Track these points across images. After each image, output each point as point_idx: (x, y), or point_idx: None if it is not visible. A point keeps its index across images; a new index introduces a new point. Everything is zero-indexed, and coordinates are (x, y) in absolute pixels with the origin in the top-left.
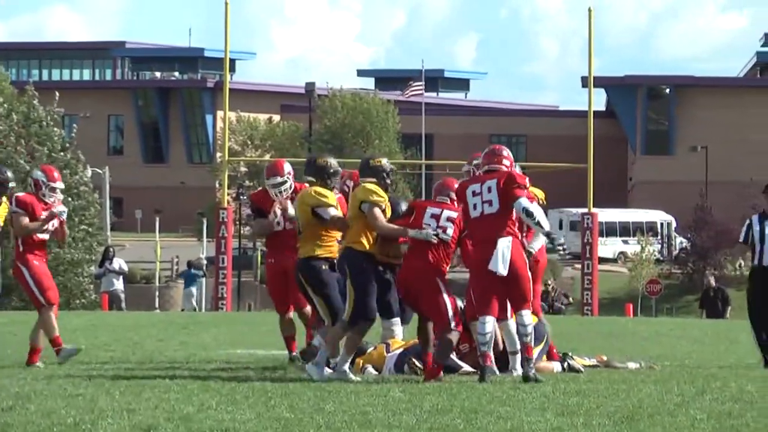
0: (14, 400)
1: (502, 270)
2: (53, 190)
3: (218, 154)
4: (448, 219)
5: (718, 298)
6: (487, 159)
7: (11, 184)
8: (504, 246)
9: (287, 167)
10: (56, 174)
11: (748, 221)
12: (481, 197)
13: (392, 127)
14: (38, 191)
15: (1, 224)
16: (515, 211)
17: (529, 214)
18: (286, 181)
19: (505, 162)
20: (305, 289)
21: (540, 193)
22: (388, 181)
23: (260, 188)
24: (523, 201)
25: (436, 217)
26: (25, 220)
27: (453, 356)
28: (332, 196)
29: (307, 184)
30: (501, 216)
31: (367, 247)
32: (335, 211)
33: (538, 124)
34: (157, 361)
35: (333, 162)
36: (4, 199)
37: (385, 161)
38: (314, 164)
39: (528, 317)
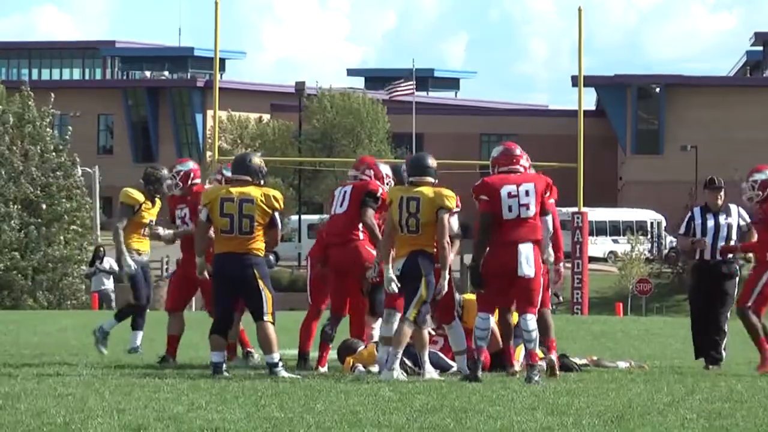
0: (4, 400)
1: (530, 272)
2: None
3: (208, 154)
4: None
5: None
6: (506, 160)
7: (168, 182)
8: (528, 250)
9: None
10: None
11: (690, 213)
12: (518, 199)
13: (382, 126)
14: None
15: (152, 221)
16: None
17: (549, 229)
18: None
19: (523, 162)
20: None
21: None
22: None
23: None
24: (550, 218)
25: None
26: None
27: (442, 355)
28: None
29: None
30: (534, 221)
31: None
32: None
33: (529, 123)
34: (147, 360)
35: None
36: (158, 197)
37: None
38: (251, 163)
39: (532, 322)
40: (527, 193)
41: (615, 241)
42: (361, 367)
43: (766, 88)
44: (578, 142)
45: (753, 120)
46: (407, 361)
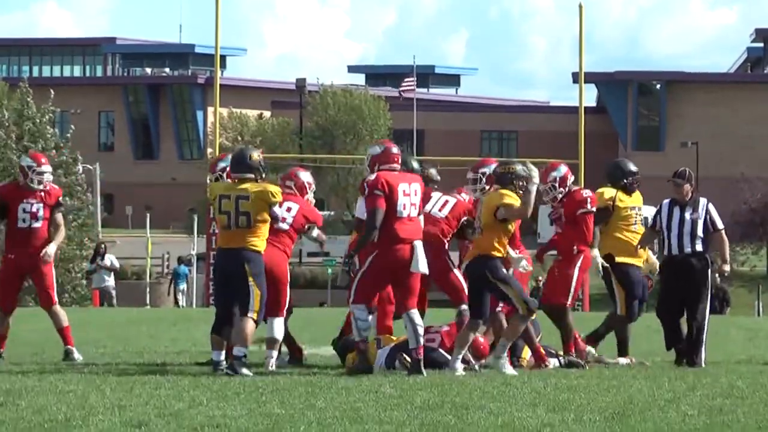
0: (5, 396)
1: (425, 269)
2: (41, 174)
3: (209, 151)
4: None
5: (718, 297)
6: (387, 158)
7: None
8: (421, 248)
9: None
10: (43, 159)
11: (658, 207)
12: (410, 198)
13: (384, 123)
14: (26, 178)
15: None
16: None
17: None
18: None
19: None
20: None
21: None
22: (514, 187)
23: (8, 182)
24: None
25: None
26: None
27: (441, 350)
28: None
29: None
30: (418, 220)
31: (502, 253)
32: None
33: (529, 120)
34: (147, 357)
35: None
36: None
37: (519, 168)
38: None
39: (418, 316)
40: (416, 192)
41: None
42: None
43: (767, 84)
44: (579, 138)
45: (754, 116)
46: (406, 356)
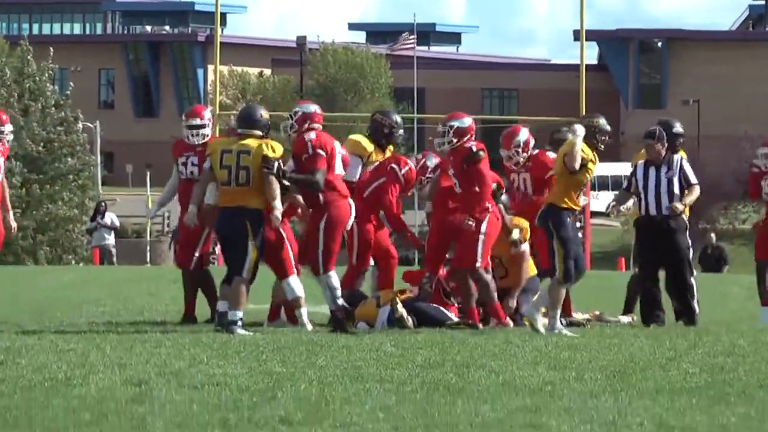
0: (5, 355)
1: None
2: (1, 132)
3: (209, 109)
4: None
5: (715, 257)
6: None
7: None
8: None
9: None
10: (4, 117)
11: (633, 168)
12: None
13: (385, 81)
14: None
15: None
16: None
17: None
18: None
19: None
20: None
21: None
22: (597, 141)
23: None
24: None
25: None
26: None
27: (441, 308)
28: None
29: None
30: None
31: (569, 205)
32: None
33: (530, 77)
34: (148, 315)
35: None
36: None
37: (602, 121)
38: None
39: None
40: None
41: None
42: (364, 324)
43: None
44: (580, 96)
45: (756, 74)
46: (411, 317)
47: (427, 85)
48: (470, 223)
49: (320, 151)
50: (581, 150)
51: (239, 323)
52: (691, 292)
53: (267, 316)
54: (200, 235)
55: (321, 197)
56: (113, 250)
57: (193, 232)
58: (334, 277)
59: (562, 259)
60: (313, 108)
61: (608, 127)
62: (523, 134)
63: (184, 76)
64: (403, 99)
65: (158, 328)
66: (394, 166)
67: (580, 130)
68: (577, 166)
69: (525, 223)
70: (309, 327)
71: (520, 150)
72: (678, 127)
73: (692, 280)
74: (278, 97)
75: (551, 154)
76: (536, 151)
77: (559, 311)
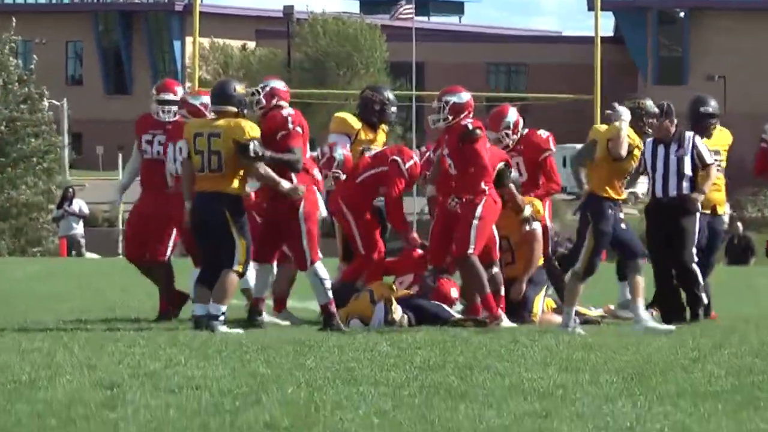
0: None
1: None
2: None
3: (188, 85)
4: None
5: (741, 247)
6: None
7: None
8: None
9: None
10: None
11: (643, 146)
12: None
13: (380, 55)
14: None
15: None
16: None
17: None
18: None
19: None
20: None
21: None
22: (644, 125)
23: None
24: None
25: None
26: None
27: (445, 306)
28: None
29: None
30: None
31: (612, 193)
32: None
33: (539, 51)
34: (120, 312)
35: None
36: None
37: (649, 103)
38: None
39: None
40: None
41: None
42: (357, 321)
43: None
44: (595, 72)
45: None
46: (409, 315)
47: (426, 60)
48: (454, 203)
49: (299, 129)
50: (628, 135)
51: (221, 319)
52: (694, 279)
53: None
54: (158, 226)
55: (295, 181)
56: (82, 240)
57: (146, 223)
58: (322, 268)
59: (590, 252)
60: (282, 84)
61: (655, 109)
62: (512, 114)
63: (159, 49)
64: (400, 74)
65: (131, 325)
66: (397, 158)
67: (626, 113)
68: (623, 153)
69: (538, 202)
70: (267, 319)
71: (510, 132)
72: (709, 107)
73: (694, 266)
74: (263, 73)
75: (543, 133)
76: (526, 131)
77: (574, 308)
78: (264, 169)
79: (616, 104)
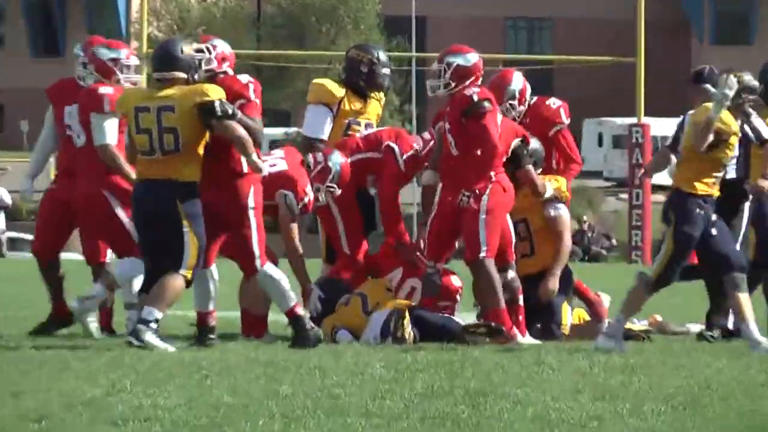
0: None
1: None
2: None
3: (134, 45)
4: None
5: None
6: None
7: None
8: None
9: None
10: None
11: (680, 120)
12: None
13: (371, 8)
14: None
15: None
16: None
17: None
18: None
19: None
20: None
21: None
22: (742, 102)
23: None
24: None
25: None
26: None
27: (457, 318)
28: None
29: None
30: None
31: (701, 189)
32: None
33: (569, 3)
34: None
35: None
36: None
37: (748, 77)
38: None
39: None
40: None
41: None
42: (346, 333)
43: None
44: (637, 29)
45: None
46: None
47: (429, 14)
48: (466, 198)
49: (257, 100)
50: (721, 119)
51: (153, 326)
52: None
53: (240, 328)
54: (67, 218)
55: (245, 164)
56: (2, 237)
57: (54, 213)
58: (274, 267)
59: (668, 259)
60: (230, 48)
61: (755, 83)
62: (517, 80)
63: (99, 3)
64: (397, 32)
65: (64, 342)
66: (392, 145)
67: (731, 87)
68: (702, 145)
69: (562, 179)
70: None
71: (516, 102)
72: (745, 80)
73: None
74: (230, 30)
75: (553, 102)
76: (534, 100)
77: (627, 320)
78: (240, 130)
79: (720, 71)
